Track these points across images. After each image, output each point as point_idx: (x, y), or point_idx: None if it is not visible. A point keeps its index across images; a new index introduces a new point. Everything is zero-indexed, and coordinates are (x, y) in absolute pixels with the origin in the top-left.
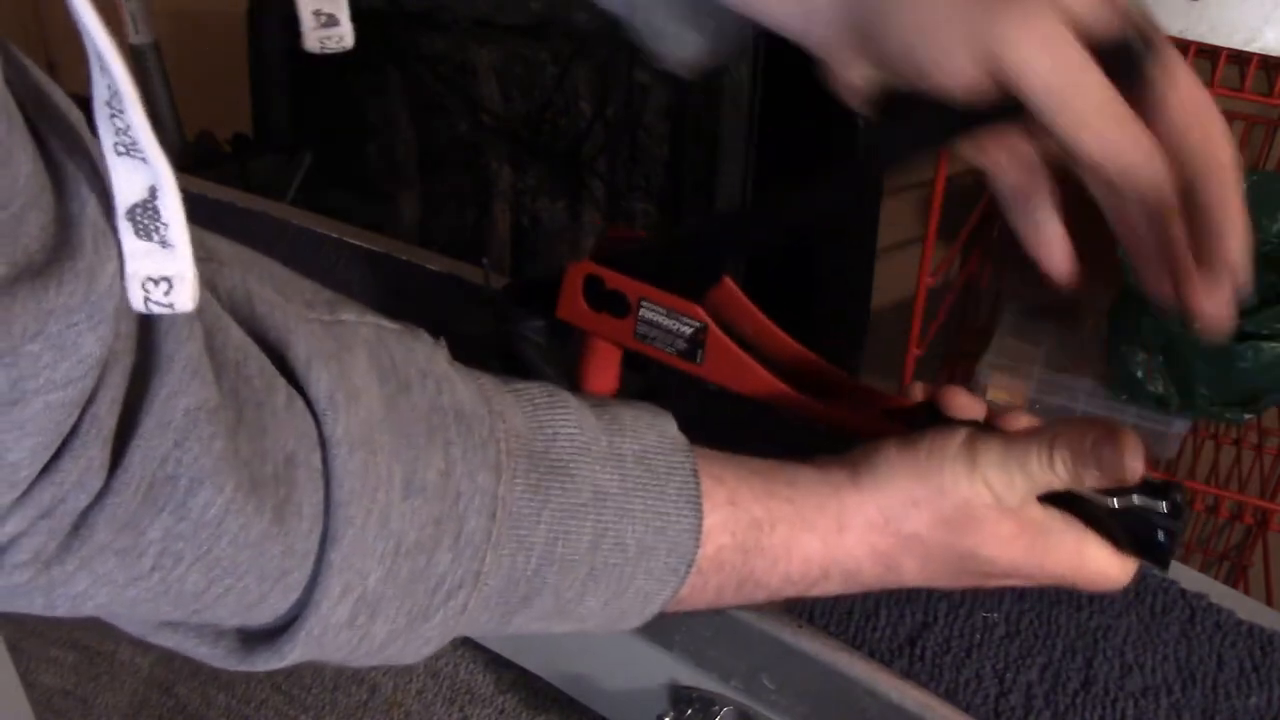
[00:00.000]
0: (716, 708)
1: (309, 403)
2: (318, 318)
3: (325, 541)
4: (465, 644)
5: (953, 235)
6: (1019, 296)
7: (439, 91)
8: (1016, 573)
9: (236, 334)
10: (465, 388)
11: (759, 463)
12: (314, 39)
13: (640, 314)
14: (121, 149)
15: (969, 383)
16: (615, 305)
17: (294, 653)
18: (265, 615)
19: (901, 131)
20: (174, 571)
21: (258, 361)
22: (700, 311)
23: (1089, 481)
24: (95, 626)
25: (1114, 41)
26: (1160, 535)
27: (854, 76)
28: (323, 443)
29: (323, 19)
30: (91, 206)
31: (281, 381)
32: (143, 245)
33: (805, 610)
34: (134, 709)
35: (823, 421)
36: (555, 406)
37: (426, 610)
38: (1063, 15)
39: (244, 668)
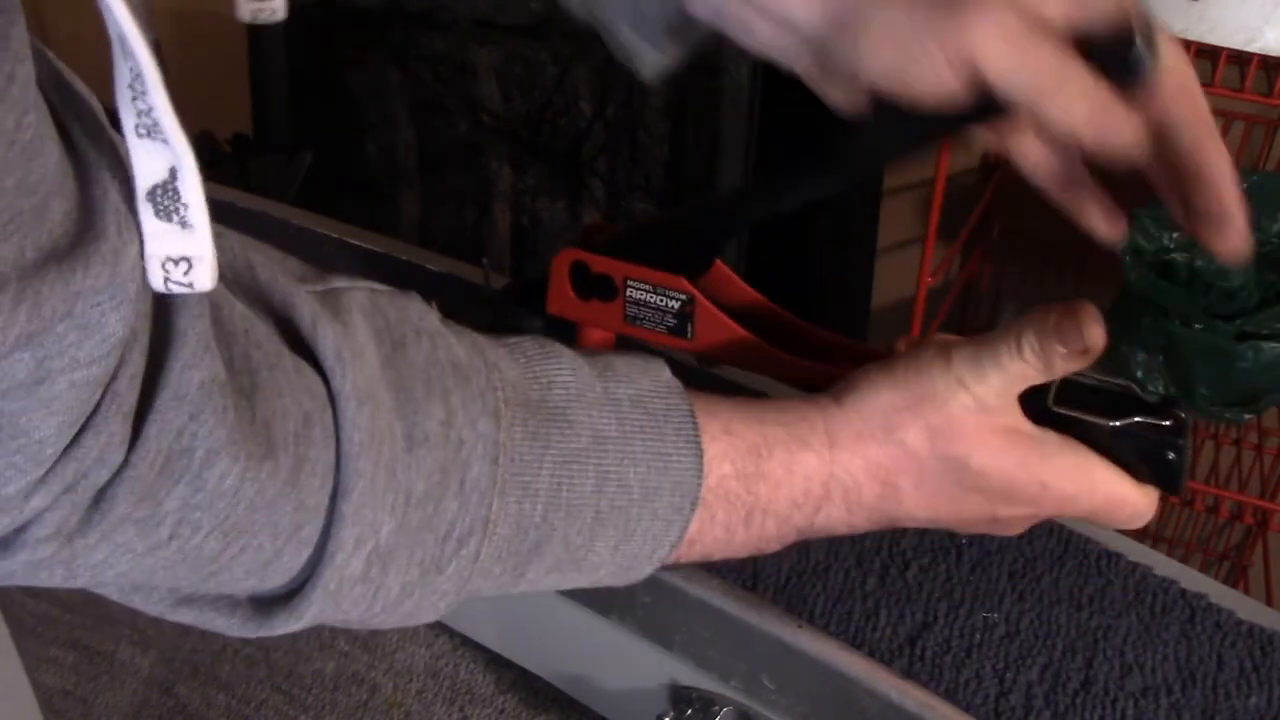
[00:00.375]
0: (716, 708)
1: (316, 362)
2: (312, 288)
3: (337, 494)
4: (465, 644)
5: (953, 235)
6: (1019, 296)
7: (439, 91)
8: (1018, 493)
9: (240, 304)
10: (459, 342)
11: (748, 397)
12: (246, 10)
13: (628, 294)
14: (143, 130)
15: None
16: (603, 290)
17: (311, 610)
18: (280, 575)
19: (892, 133)
20: (191, 540)
21: (264, 328)
22: (685, 283)
23: (1058, 363)
24: (95, 626)
25: (1104, 37)
26: (1169, 454)
27: (839, 94)
28: (332, 399)
29: None
30: (114, 191)
31: (287, 346)
32: (163, 226)
33: (805, 610)
34: (134, 709)
35: (816, 381)
36: (549, 356)
37: (439, 560)
38: (1026, 10)
39: (264, 633)
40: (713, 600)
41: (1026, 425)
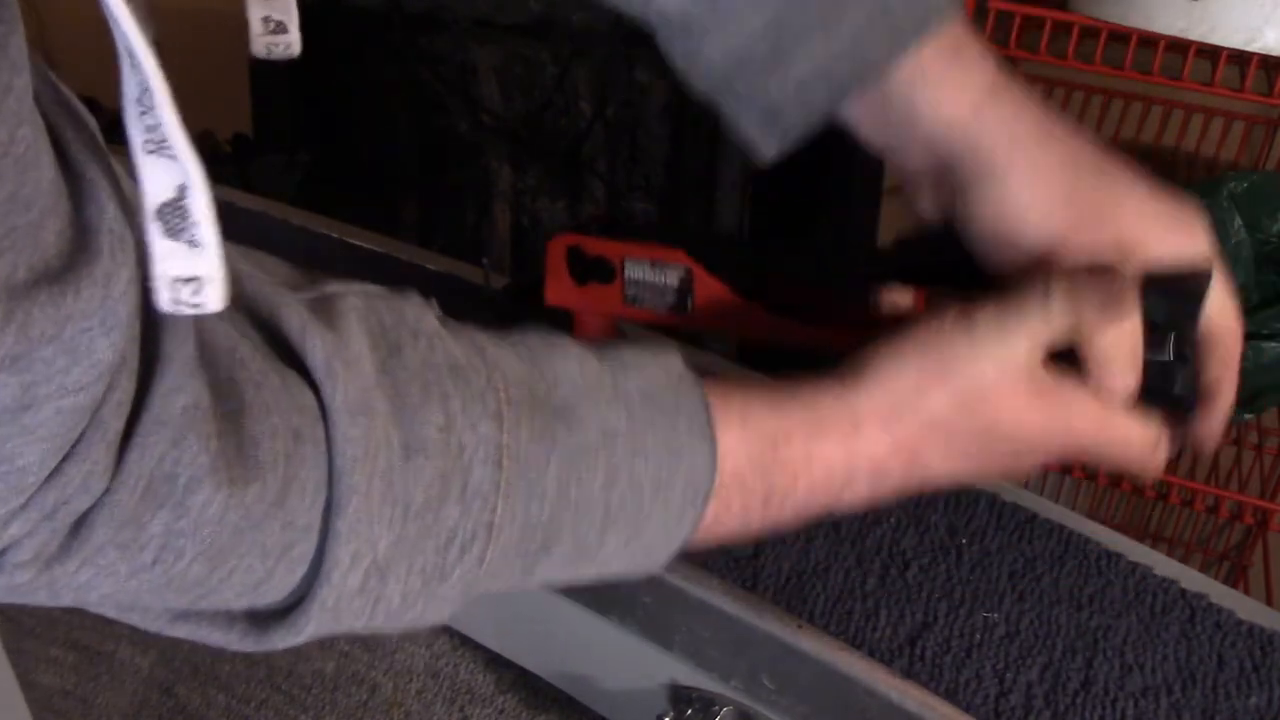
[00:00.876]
0: (716, 708)
1: (307, 374)
2: (303, 295)
3: (330, 511)
4: (465, 644)
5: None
6: None
7: (439, 91)
8: (1044, 444)
9: (224, 322)
10: (457, 342)
11: (764, 381)
12: (261, 45)
13: (626, 274)
14: (151, 147)
15: None
16: (600, 272)
17: (309, 626)
18: (274, 593)
19: (943, 263)
20: (176, 565)
21: (250, 344)
22: (683, 255)
23: (1089, 317)
24: (95, 626)
25: (1183, 274)
26: (1176, 385)
27: (929, 208)
28: (324, 413)
29: (271, 25)
30: (110, 213)
31: (276, 360)
32: (171, 245)
33: (805, 610)
34: (134, 709)
35: (824, 346)
36: (554, 350)
37: (441, 569)
38: (1137, 297)
39: (263, 648)
40: (713, 600)
41: (1049, 374)
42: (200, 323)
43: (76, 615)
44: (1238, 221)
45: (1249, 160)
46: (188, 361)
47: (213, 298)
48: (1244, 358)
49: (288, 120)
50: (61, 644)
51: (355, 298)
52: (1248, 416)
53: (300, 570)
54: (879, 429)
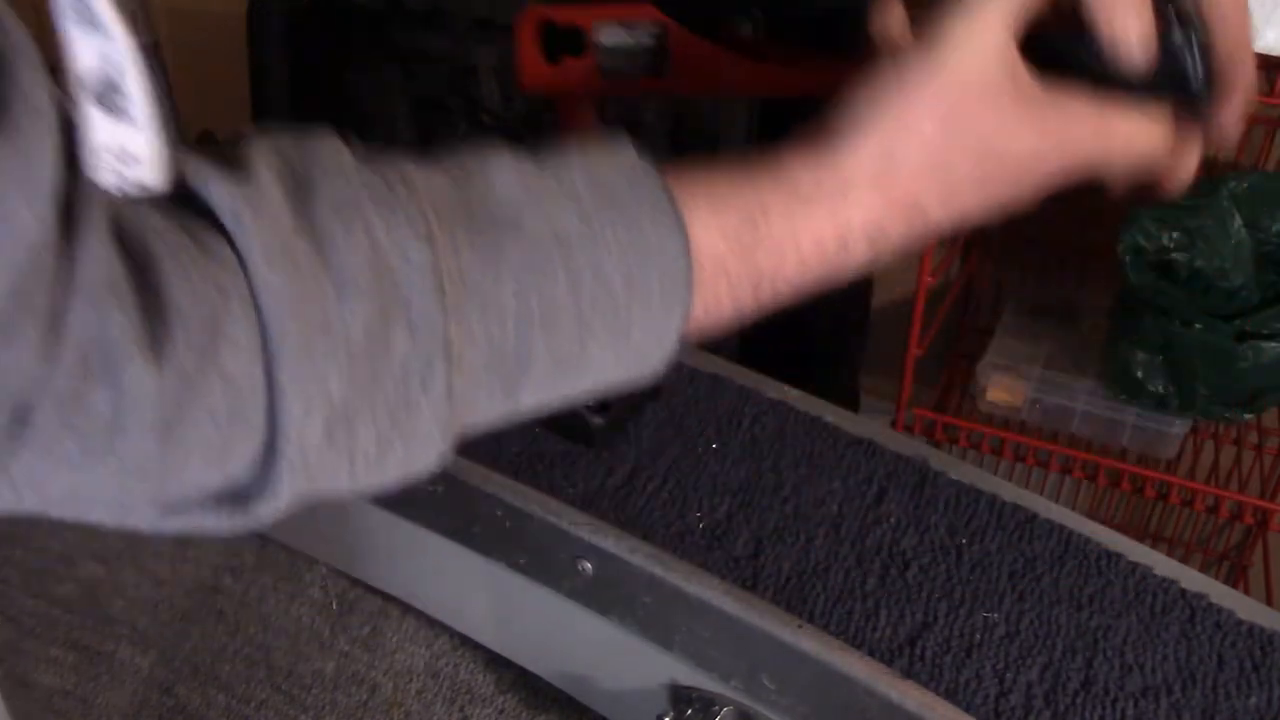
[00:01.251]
0: (716, 708)
1: (221, 229)
2: (207, 150)
3: (270, 365)
4: (465, 644)
5: (953, 234)
6: (1019, 296)
7: (439, 91)
8: (1043, 159)
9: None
10: (374, 172)
11: (734, 162)
12: None
13: (598, 41)
14: (76, 17)
15: (969, 383)
16: (572, 44)
17: (285, 489)
18: (241, 462)
19: None
20: (126, 446)
21: (157, 206)
22: (654, 10)
23: None
24: (95, 627)
25: None
26: (1187, 63)
27: None
28: (242, 265)
29: None
30: (24, 83)
31: (188, 217)
32: (107, 121)
33: (805, 610)
34: (134, 709)
35: (811, 89)
36: (487, 162)
37: (407, 402)
38: None
39: (251, 524)
40: (713, 600)
41: (1036, 85)
42: (112, 198)
43: (76, 615)
44: (1238, 221)
45: (1249, 160)
46: (105, 231)
47: (153, 174)
48: (1244, 357)
49: (288, 121)
50: (61, 644)
51: (263, 145)
52: (1248, 416)
53: (258, 434)
54: (869, 188)
